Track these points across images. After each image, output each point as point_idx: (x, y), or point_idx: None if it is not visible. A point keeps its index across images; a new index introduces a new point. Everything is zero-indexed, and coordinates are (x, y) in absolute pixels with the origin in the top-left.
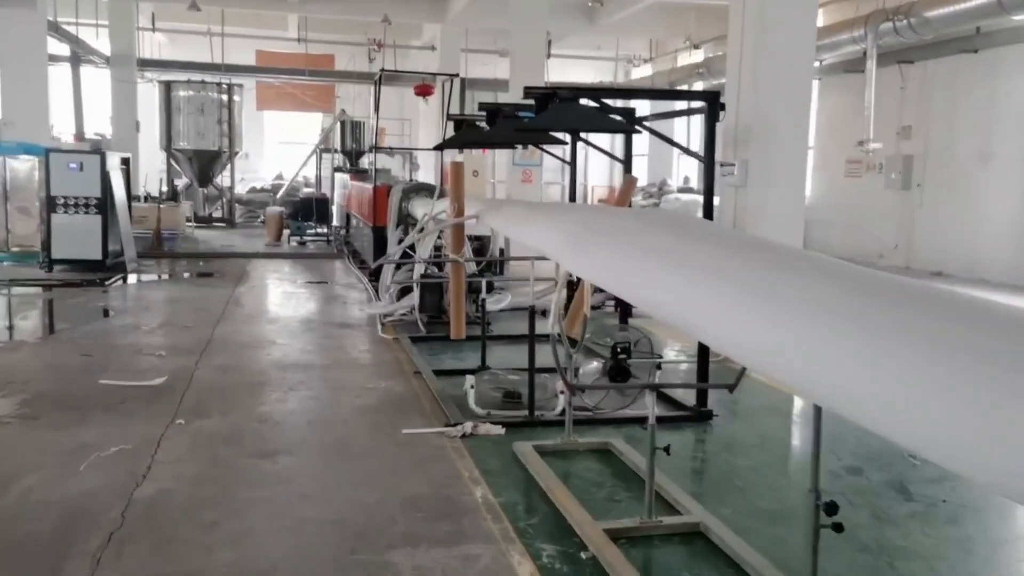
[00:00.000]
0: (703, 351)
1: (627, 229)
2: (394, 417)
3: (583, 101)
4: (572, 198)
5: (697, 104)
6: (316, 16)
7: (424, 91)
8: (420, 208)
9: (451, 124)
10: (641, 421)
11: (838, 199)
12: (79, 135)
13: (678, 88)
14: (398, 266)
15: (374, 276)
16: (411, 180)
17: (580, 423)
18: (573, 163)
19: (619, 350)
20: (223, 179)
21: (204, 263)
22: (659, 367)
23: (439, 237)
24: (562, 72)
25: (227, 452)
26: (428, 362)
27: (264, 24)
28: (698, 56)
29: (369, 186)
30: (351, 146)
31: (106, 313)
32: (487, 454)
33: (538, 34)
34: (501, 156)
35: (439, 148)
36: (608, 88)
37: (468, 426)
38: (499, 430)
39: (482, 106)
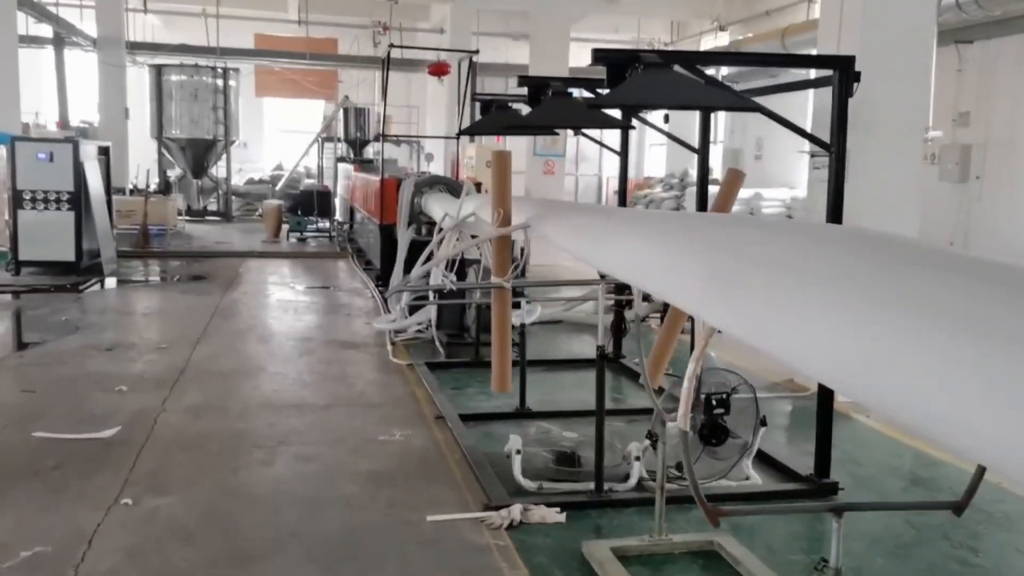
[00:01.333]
0: (825, 398)
1: (818, 258)
2: (415, 491)
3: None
4: (623, 196)
5: (815, 75)
6: None
7: (440, 71)
8: (436, 205)
9: (461, 110)
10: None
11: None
12: (63, 122)
13: (795, 53)
14: (408, 270)
15: (382, 281)
16: (420, 172)
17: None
18: (625, 151)
19: (714, 402)
20: (218, 170)
21: (193, 263)
22: (764, 423)
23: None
24: (576, 57)
25: (185, 556)
26: (452, 399)
27: (263, 5)
28: (724, 39)
29: (376, 179)
30: (355, 135)
31: (69, 328)
32: (546, 557)
33: (561, 14)
34: (518, 144)
35: (465, 134)
36: (702, 53)
37: (516, 511)
38: (557, 515)
39: (522, 80)
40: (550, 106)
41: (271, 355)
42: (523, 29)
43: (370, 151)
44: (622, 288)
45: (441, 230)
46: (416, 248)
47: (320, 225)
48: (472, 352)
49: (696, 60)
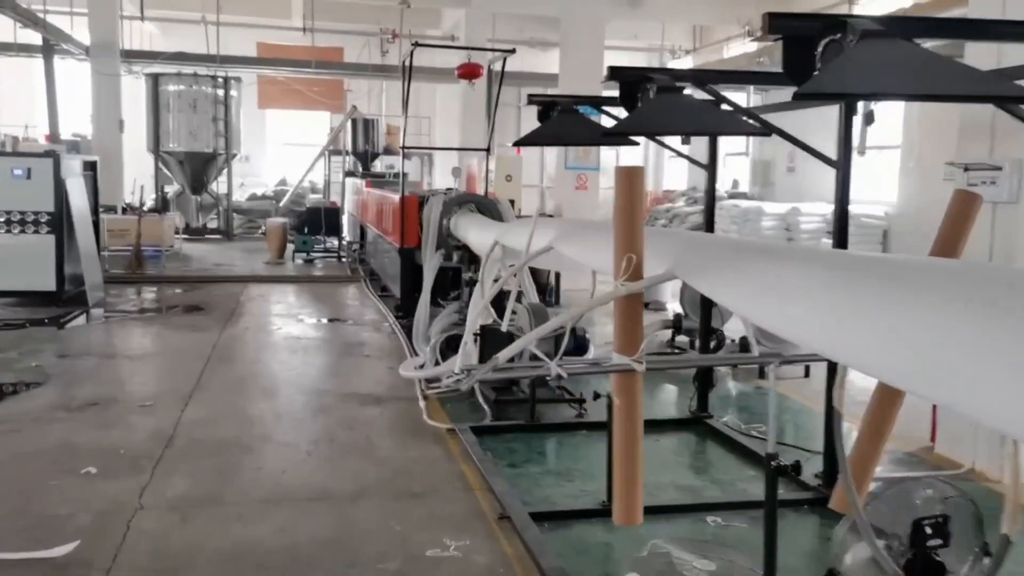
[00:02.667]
0: None
1: None
2: None
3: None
4: (710, 220)
5: None
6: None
7: (470, 72)
8: (473, 229)
9: (493, 116)
10: None
11: (932, 208)
12: (53, 135)
13: None
14: (436, 301)
15: (403, 311)
16: (446, 188)
17: None
18: (713, 165)
19: (927, 529)
20: (219, 185)
21: (190, 290)
22: (987, 553)
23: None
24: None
25: None
26: (514, 485)
27: (266, 12)
28: (751, 45)
29: (394, 196)
30: (364, 147)
31: (38, 377)
32: None
33: (595, 19)
34: (531, 156)
35: (524, 144)
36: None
37: None
38: None
39: (613, 73)
40: (655, 107)
41: (278, 416)
42: (539, 36)
43: (378, 164)
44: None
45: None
46: (445, 276)
47: (328, 245)
48: (526, 412)
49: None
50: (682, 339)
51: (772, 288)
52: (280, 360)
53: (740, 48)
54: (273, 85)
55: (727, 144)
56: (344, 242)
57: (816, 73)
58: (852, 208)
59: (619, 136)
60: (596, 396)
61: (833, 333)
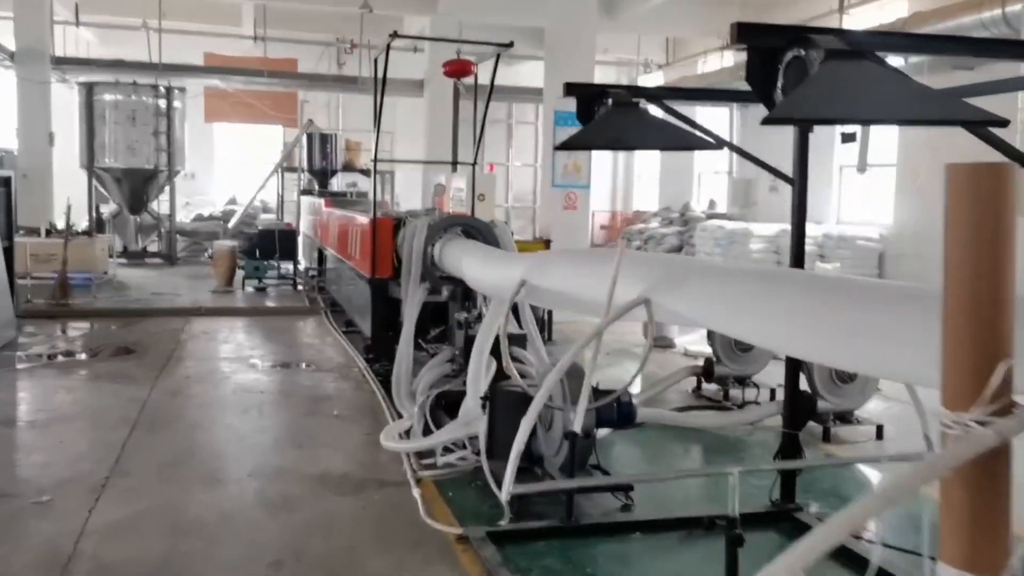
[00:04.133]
0: None
1: None
2: None
3: None
4: (799, 250)
5: None
6: (277, 4)
7: (460, 69)
8: (470, 260)
9: (482, 125)
10: None
11: (932, 230)
12: None
13: None
14: (420, 346)
15: (373, 353)
16: (427, 209)
17: None
18: (803, 181)
19: None
20: (161, 205)
21: (122, 326)
22: None
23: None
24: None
25: None
26: None
27: (213, 19)
28: (728, 59)
29: (362, 218)
30: (321, 164)
31: None
32: None
33: (584, 25)
34: (520, 175)
35: (569, 148)
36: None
37: None
38: None
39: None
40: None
41: (224, 518)
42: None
43: (335, 183)
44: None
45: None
46: (425, 311)
47: (282, 271)
48: (563, 508)
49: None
50: (708, 386)
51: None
52: (227, 424)
53: (718, 62)
54: (221, 98)
55: (703, 162)
56: (300, 267)
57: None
58: (846, 230)
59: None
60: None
61: None
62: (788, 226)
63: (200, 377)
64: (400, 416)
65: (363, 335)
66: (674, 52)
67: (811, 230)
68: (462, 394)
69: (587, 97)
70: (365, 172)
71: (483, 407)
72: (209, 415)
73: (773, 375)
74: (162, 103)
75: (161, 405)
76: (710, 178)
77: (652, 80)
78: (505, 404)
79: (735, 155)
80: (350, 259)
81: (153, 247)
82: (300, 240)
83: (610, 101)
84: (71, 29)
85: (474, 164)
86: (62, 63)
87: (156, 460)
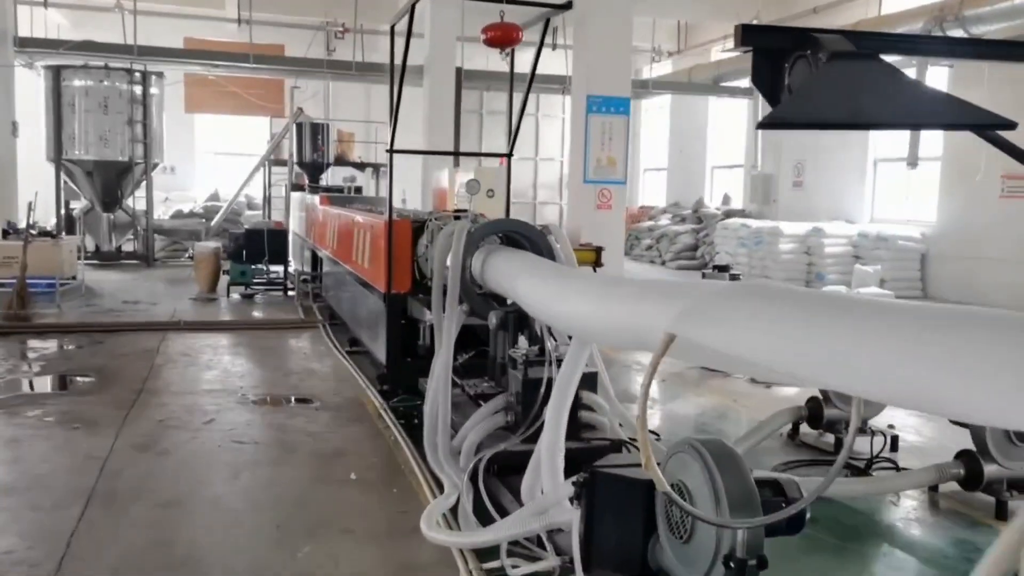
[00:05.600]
0: None
1: None
2: None
3: None
4: None
5: None
6: None
7: (505, 36)
8: (517, 277)
9: (521, 107)
10: None
11: (980, 230)
12: None
13: None
14: (453, 380)
15: (388, 383)
16: (456, 211)
17: None
18: None
19: None
20: (137, 201)
21: (86, 345)
22: None
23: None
24: (555, 65)
25: None
26: None
27: (194, 0)
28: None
29: (373, 220)
30: (312, 156)
31: None
32: None
33: (620, 6)
34: (523, 169)
35: (774, 127)
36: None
37: None
38: None
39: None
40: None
41: None
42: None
43: (327, 176)
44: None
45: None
46: (470, 338)
47: (272, 275)
48: None
49: None
50: (806, 431)
51: None
52: (213, 499)
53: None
54: (203, 86)
55: (716, 155)
56: (291, 271)
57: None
58: (884, 229)
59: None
60: None
61: None
62: (820, 224)
63: (177, 419)
64: (437, 481)
65: (372, 356)
66: (686, 39)
67: (845, 229)
68: (524, 457)
69: (775, 49)
70: (359, 166)
71: (576, 494)
72: (188, 482)
73: (883, 416)
74: (137, 89)
75: (126, 465)
76: (722, 172)
77: (660, 69)
78: (611, 495)
79: (748, 146)
80: (355, 267)
81: (128, 247)
82: (290, 240)
83: (820, 54)
84: (39, 11)
85: (510, 155)
86: (27, 45)
87: (114, 561)
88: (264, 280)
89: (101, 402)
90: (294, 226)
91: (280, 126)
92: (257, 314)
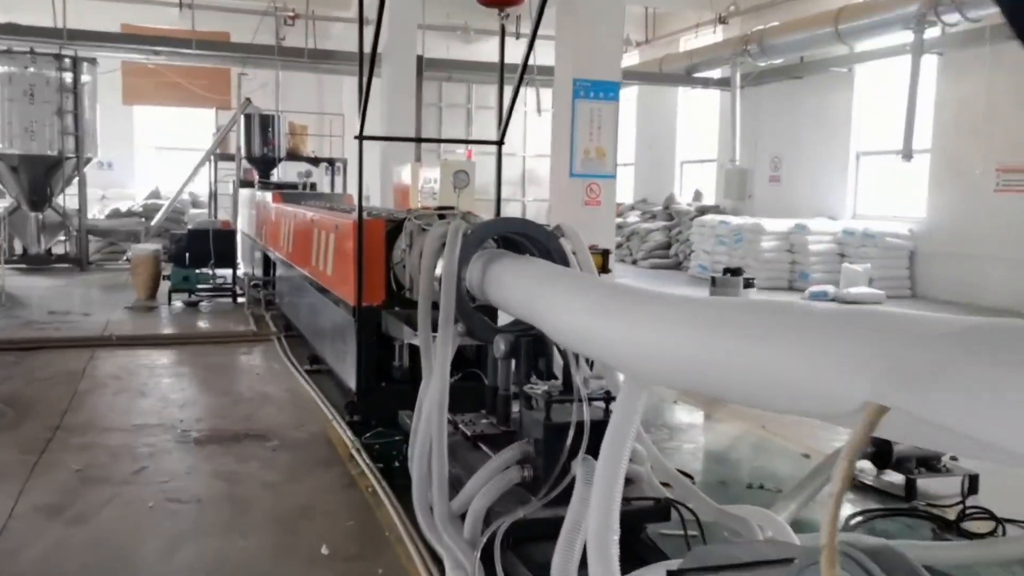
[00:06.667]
0: None
1: None
2: None
3: None
4: None
5: None
6: None
7: None
8: (536, 297)
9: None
10: None
11: (972, 225)
12: None
13: None
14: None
15: (357, 412)
16: (440, 207)
17: None
18: None
19: None
20: (69, 199)
21: None
22: None
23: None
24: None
25: None
26: None
27: None
28: (719, 35)
29: (339, 219)
30: (262, 150)
31: None
32: None
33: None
34: (530, 163)
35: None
36: None
37: None
38: None
39: None
40: None
41: None
42: (466, 22)
43: (277, 172)
44: None
45: None
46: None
47: (219, 280)
48: None
49: None
50: (867, 468)
51: None
52: None
53: (713, 37)
54: (143, 76)
55: (686, 149)
56: (240, 275)
57: None
58: (871, 226)
59: None
60: None
61: None
62: (803, 221)
63: (99, 468)
64: (433, 554)
65: (337, 378)
66: (654, 29)
67: (829, 226)
68: (550, 526)
69: None
70: (314, 160)
71: None
72: (108, 564)
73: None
74: (68, 77)
75: (26, 543)
76: (692, 167)
77: (628, 60)
78: None
79: (723, 140)
80: (316, 273)
81: (60, 250)
82: (239, 241)
83: None
84: None
85: (500, 143)
86: None
87: None
88: (210, 286)
89: (5, 444)
90: (243, 226)
91: (227, 118)
92: (202, 325)
